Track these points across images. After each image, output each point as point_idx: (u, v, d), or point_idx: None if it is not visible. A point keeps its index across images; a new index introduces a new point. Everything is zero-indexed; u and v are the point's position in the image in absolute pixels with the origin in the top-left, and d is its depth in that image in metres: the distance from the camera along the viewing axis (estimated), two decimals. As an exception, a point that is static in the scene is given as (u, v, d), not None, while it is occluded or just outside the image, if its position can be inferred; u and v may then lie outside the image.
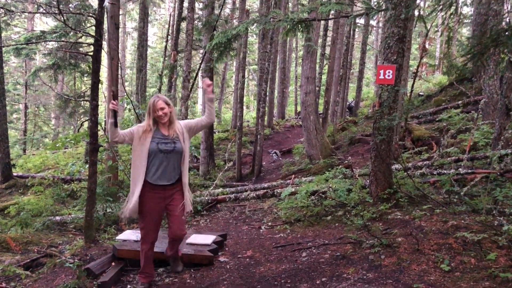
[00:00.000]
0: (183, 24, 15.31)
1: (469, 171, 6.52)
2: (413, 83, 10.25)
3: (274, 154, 16.06)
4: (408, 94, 10.72)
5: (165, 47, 18.77)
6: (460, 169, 6.71)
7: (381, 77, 5.81)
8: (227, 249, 5.66)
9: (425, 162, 7.89)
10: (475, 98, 12.19)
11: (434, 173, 7.01)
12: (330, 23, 16.17)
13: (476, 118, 8.43)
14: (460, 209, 5.13)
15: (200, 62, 14.36)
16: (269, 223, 6.90)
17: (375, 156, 6.01)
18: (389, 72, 5.78)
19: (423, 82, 21.06)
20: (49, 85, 14.18)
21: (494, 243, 3.99)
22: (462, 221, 4.64)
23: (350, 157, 10.51)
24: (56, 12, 5.35)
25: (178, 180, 4.11)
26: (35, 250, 6.07)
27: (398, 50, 5.83)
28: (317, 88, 13.19)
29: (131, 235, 5.37)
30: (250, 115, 28.19)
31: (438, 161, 7.51)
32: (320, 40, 13.98)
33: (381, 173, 5.99)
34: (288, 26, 7.26)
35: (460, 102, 12.84)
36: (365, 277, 3.92)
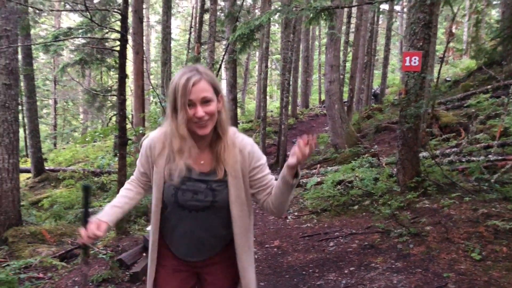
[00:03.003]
0: (206, 16, 15.34)
1: (500, 157, 6.39)
2: (440, 69, 10.03)
3: (298, 144, 16.01)
4: (435, 80, 10.51)
5: (189, 39, 18.88)
6: (490, 156, 6.57)
7: (407, 64, 5.72)
8: (254, 239, 5.72)
9: (453, 149, 7.75)
10: (505, 82, 11.83)
11: (463, 160, 6.89)
12: (354, 10, 15.92)
13: (506, 103, 8.20)
14: (491, 196, 5.04)
15: (223, 53, 14.41)
16: (296, 213, 6.93)
17: (402, 145, 5.95)
18: (415, 59, 5.68)
19: (450, 67, 20.57)
20: (77, 80, 14.48)
21: (527, 231, 3.92)
22: (493, 209, 4.57)
23: (376, 146, 10.41)
24: (83, 9, 5.46)
25: (220, 252, 2.00)
26: (69, 241, 6.28)
27: (424, 36, 5.72)
28: (341, 76, 13.07)
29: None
30: (273, 105, 28.14)
31: (467, 148, 7.37)
32: (343, 28, 13.82)
33: (408, 162, 5.92)
34: (311, 15, 7.21)
35: (489, 86, 12.50)
36: (393, 266, 3.91)
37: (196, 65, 1.78)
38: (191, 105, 1.72)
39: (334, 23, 10.63)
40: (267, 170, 1.94)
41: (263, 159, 1.94)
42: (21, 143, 15.96)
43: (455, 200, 5.09)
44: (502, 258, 3.61)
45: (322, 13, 7.13)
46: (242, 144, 1.87)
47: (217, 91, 1.78)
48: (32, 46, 13.25)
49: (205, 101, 1.72)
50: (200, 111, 1.70)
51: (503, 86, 11.90)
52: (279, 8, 7.37)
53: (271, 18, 7.28)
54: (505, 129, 7.73)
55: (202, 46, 15.41)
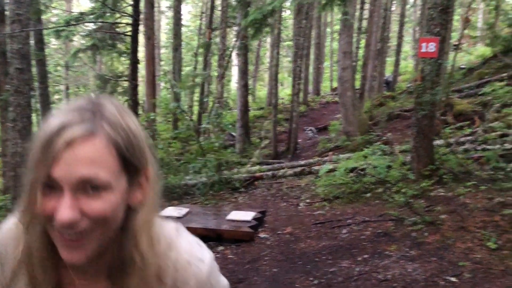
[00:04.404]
0: (218, 1, 15.24)
1: (516, 146, 6.28)
2: (455, 56, 9.88)
3: (309, 131, 15.95)
4: (449, 67, 10.37)
5: (200, 25, 18.81)
6: (506, 144, 6.47)
7: (424, 50, 5.62)
8: (266, 225, 5.72)
9: (468, 138, 7.65)
10: (521, 70, 11.62)
11: (478, 148, 6.79)
12: (367, -5, 15.69)
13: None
14: (507, 185, 4.97)
15: (235, 39, 14.32)
16: (307, 200, 6.90)
17: (416, 132, 5.87)
18: (432, 45, 5.58)
19: (464, 55, 20.25)
20: (90, 65, 14.54)
21: (545, 221, 3.86)
22: (509, 198, 4.51)
23: (389, 133, 10.31)
24: (96, -7, 5.43)
25: None
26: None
27: (442, 21, 5.61)
28: (354, 63, 12.94)
29: (173, 211, 5.50)
30: (284, 92, 28.00)
31: (482, 137, 7.26)
32: (357, 14, 13.63)
33: (423, 149, 5.85)
34: (324, 0, 7.11)
35: (504, 74, 12.26)
36: (408, 254, 3.88)
37: (100, 98, 0.80)
38: (52, 188, 0.68)
39: (348, 9, 10.49)
40: None
41: None
42: (34, 129, 16.10)
43: (470, 188, 5.03)
44: (519, 247, 3.57)
45: (336, -2, 7.03)
46: (187, 274, 0.80)
47: (132, 164, 0.74)
48: (44, 31, 13.26)
49: (91, 187, 0.68)
50: (67, 208, 0.66)
51: (519, 74, 11.68)
52: (293, -7, 7.28)
53: (284, 4, 7.20)
54: (522, 118, 7.61)
55: (213, 32, 15.33)
